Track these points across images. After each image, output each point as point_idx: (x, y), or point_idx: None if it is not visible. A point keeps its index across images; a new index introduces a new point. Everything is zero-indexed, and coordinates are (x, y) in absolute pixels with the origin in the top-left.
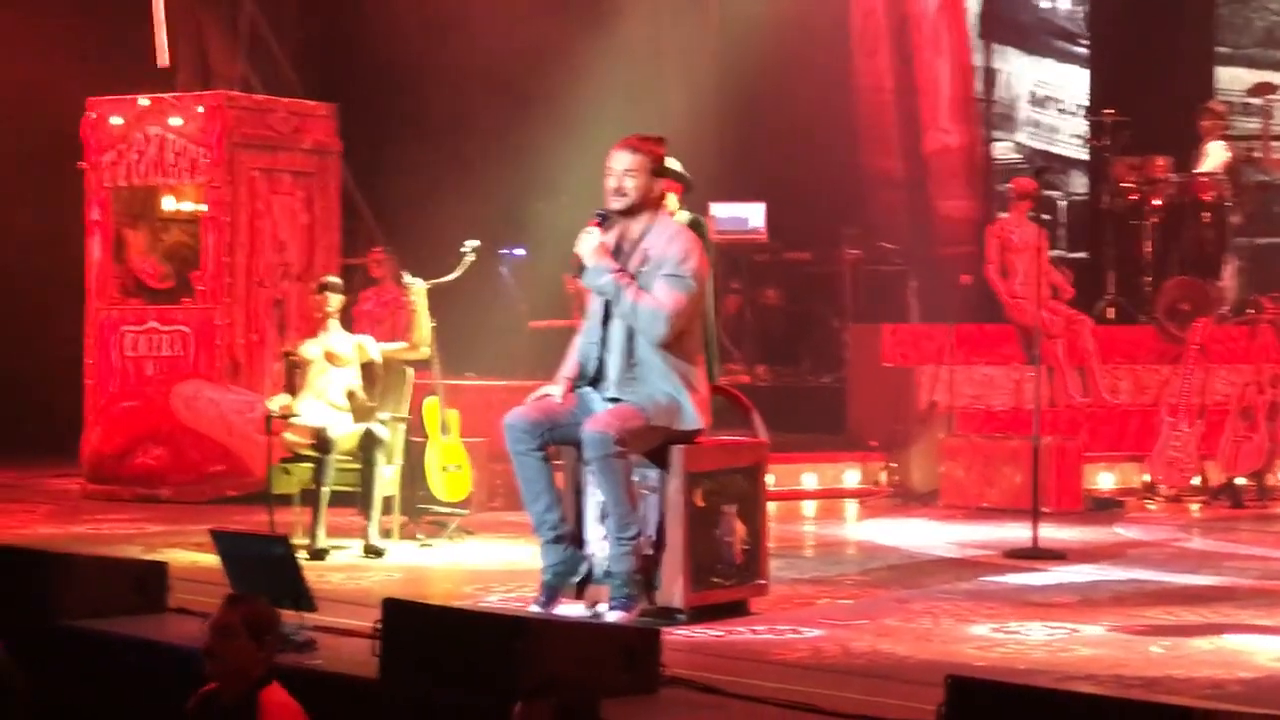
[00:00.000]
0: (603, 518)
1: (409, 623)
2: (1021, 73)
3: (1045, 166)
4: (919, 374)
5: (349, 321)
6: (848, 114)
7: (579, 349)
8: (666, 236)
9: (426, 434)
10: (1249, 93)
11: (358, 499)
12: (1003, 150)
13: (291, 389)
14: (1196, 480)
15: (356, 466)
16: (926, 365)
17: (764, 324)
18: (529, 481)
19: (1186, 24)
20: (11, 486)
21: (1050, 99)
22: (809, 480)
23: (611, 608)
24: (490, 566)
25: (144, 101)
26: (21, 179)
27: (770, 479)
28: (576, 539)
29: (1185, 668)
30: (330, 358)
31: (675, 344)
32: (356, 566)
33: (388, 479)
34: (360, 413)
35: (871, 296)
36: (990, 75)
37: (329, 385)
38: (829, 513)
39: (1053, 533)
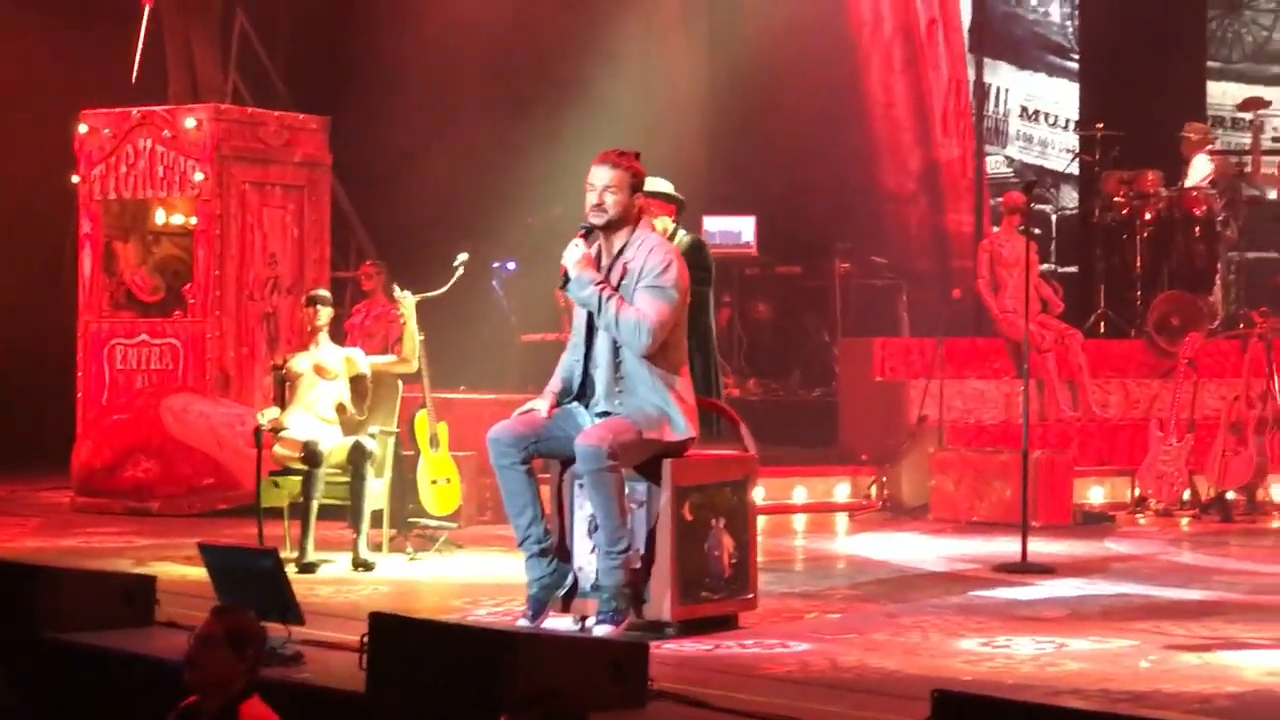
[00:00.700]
0: (591, 531)
1: (396, 636)
2: (1012, 87)
3: (1036, 181)
4: (909, 388)
5: (339, 335)
6: (839, 128)
7: (565, 364)
8: (646, 249)
9: (416, 447)
10: (1239, 107)
11: (347, 512)
12: (994, 164)
13: (281, 402)
14: (1186, 494)
15: (346, 480)
16: (917, 379)
17: (754, 337)
18: (513, 496)
19: (1177, 39)
20: (1, 499)
21: (1041, 113)
22: (799, 494)
23: (599, 621)
24: (479, 580)
25: (135, 114)
26: (12, 191)
27: (760, 493)
28: (562, 553)
29: (1174, 682)
30: (320, 371)
31: (660, 355)
32: (345, 580)
33: (377, 492)
34: (349, 426)
35: (862, 310)
36: (981, 89)
37: (319, 399)
38: (819, 527)
39: (1042, 547)
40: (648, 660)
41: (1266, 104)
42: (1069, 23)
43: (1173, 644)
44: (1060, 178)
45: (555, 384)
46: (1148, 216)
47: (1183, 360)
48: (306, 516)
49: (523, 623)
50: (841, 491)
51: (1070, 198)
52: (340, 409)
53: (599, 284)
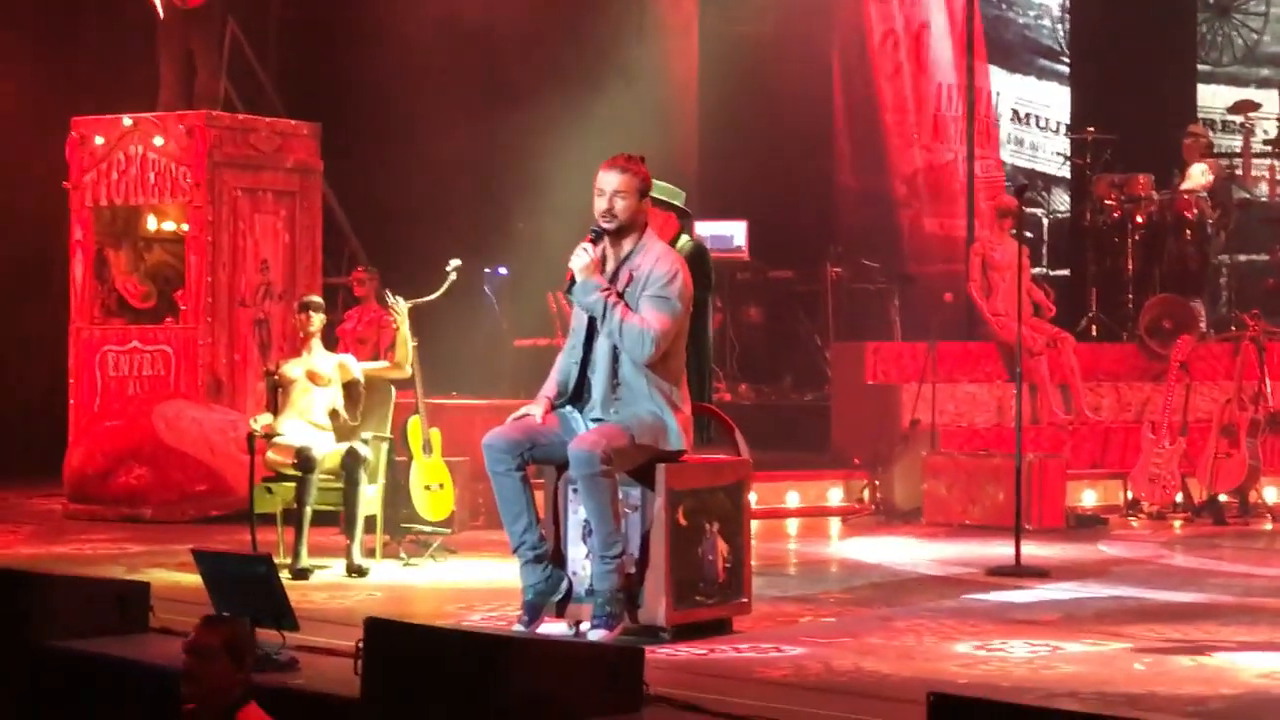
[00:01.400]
0: (585, 536)
1: (391, 642)
2: (1003, 90)
3: (1027, 184)
4: (902, 392)
5: (332, 341)
6: (830, 132)
7: (560, 368)
8: (653, 257)
9: (409, 453)
10: (1230, 110)
11: (340, 518)
12: (985, 168)
13: (274, 408)
14: (1179, 497)
15: (339, 486)
16: (909, 383)
17: (747, 342)
18: (508, 501)
19: (1168, 42)
20: None
21: (1032, 116)
22: (792, 498)
23: (594, 626)
24: (473, 585)
25: (127, 121)
26: (2, 198)
27: (753, 497)
28: (556, 558)
29: (1168, 685)
30: (313, 377)
31: (660, 364)
32: (339, 585)
33: (370, 498)
34: (343, 432)
35: (854, 314)
36: (972, 93)
37: (311, 405)
38: (812, 530)
39: (1035, 550)
40: (643, 665)
41: (1257, 107)
42: (1059, 26)
43: (1167, 647)
44: (1052, 181)
45: (550, 388)
46: (1139, 220)
47: (1175, 363)
48: (300, 522)
49: (518, 628)
50: (834, 495)
51: (1062, 201)
52: (333, 415)
53: (605, 290)
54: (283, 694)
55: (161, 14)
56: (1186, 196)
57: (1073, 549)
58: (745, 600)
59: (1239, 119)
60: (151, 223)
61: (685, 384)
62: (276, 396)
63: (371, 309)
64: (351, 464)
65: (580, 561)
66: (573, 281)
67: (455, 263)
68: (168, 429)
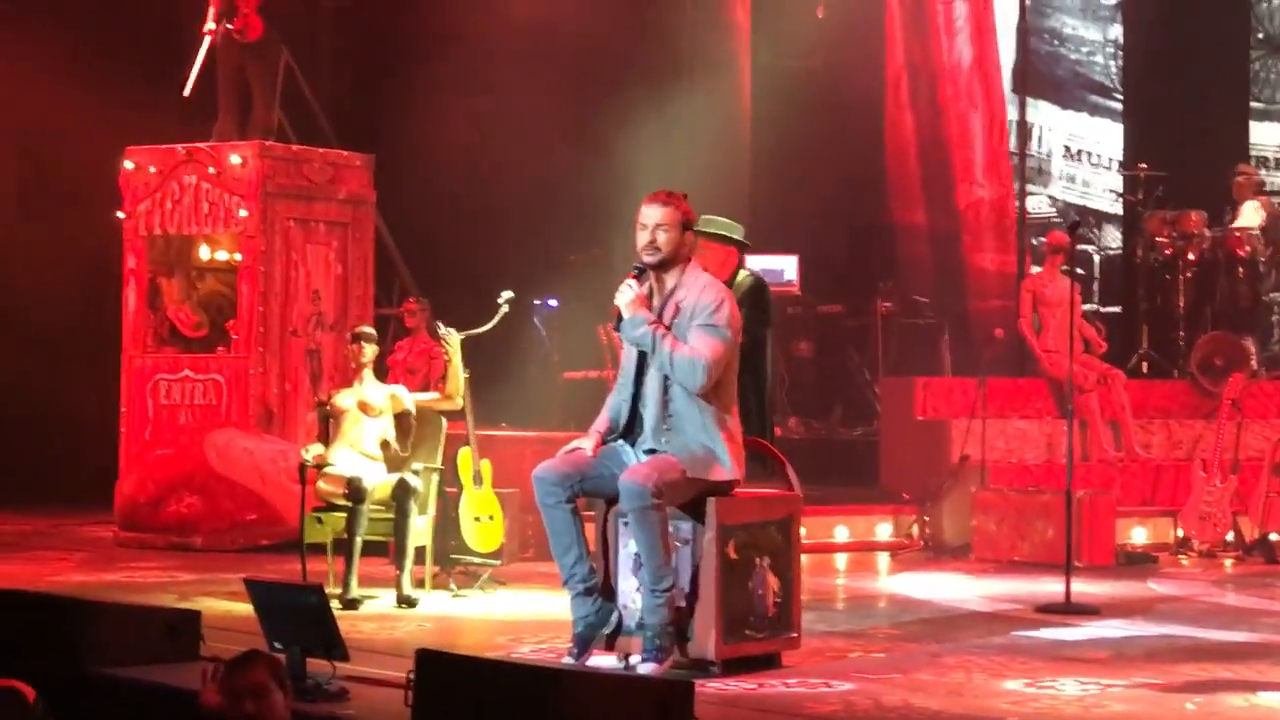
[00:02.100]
0: (636, 569)
1: (442, 673)
2: (1055, 126)
3: (1079, 221)
4: (951, 427)
5: (383, 371)
6: (881, 167)
7: (611, 405)
8: (698, 288)
9: (459, 484)
10: None
11: (390, 549)
12: (1036, 204)
13: (325, 438)
14: (1229, 536)
15: (389, 516)
16: (959, 418)
17: (796, 376)
18: (558, 534)
19: (1220, 79)
20: (45, 534)
21: (1084, 153)
22: (841, 533)
23: (644, 659)
24: (522, 617)
25: (181, 151)
26: (58, 227)
27: (802, 531)
28: (606, 591)
29: None
30: (364, 408)
31: (712, 394)
32: (389, 616)
33: (420, 529)
34: (393, 463)
35: (904, 349)
36: (1024, 129)
37: (363, 435)
38: (861, 566)
39: (1085, 587)
40: (693, 699)
41: None
42: (1112, 62)
43: (1218, 686)
44: (1103, 218)
45: (601, 423)
46: (1191, 257)
47: (1226, 401)
48: (350, 553)
49: (567, 660)
50: (883, 530)
51: (1113, 238)
52: (384, 445)
53: (652, 324)
54: None
55: (215, 46)
56: (1239, 234)
57: (1122, 587)
58: (795, 635)
59: None
60: (204, 252)
61: (737, 413)
62: (328, 427)
63: (422, 340)
64: (402, 495)
65: (630, 595)
66: (620, 318)
67: (507, 294)
68: (219, 458)
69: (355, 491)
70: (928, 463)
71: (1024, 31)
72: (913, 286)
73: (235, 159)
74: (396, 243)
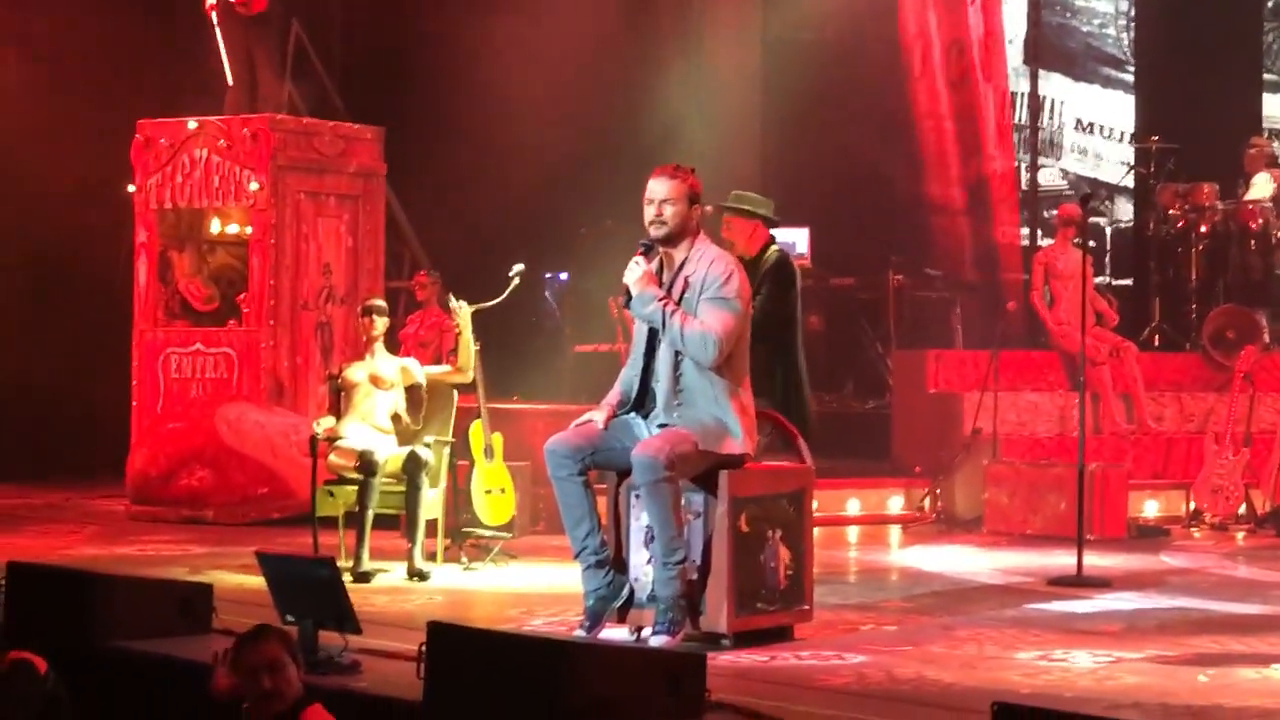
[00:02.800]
0: (648, 542)
1: (454, 646)
2: (1067, 99)
3: (1091, 193)
4: (963, 400)
5: (394, 345)
6: (893, 139)
7: (624, 379)
8: (707, 261)
9: (471, 457)
10: None
11: (402, 522)
12: (1048, 176)
13: (336, 412)
14: (1242, 508)
15: (401, 489)
16: (971, 391)
17: (808, 350)
18: (570, 507)
19: (1233, 51)
20: (57, 507)
21: (1096, 125)
22: (853, 506)
23: (655, 632)
24: (534, 590)
25: (192, 124)
26: (68, 201)
27: (814, 504)
28: (618, 564)
29: (1232, 697)
30: (375, 381)
31: (723, 367)
32: (400, 589)
33: (431, 502)
34: (405, 436)
35: (916, 322)
36: (1036, 101)
37: (374, 408)
38: (872, 539)
39: (1097, 560)
40: (704, 671)
41: None
42: (1124, 35)
43: (1230, 658)
44: (1115, 190)
45: (613, 395)
46: (1203, 229)
47: (1239, 374)
48: (362, 526)
49: (579, 633)
50: (895, 503)
51: (1125, 210)
52: (395, 419)
53: (662, 300)
54: (345, 697)
55: (218, 19)
56: (1251, 207)
57: (1134, 559)
58: (807, 608)
59: None
60: (215, 226)
61: (749, 386)
62: (339, 400)
63: (433, 313)
64: (413, 468)
65: (642, 568)
66: (629, 295)
67: (518, 267)
68: (230, 431)
69: (366, 465)
70: (940, 436)
71: (1036, 4)
72: (924, 260)
73: (246, 132)
74: (407, 216)
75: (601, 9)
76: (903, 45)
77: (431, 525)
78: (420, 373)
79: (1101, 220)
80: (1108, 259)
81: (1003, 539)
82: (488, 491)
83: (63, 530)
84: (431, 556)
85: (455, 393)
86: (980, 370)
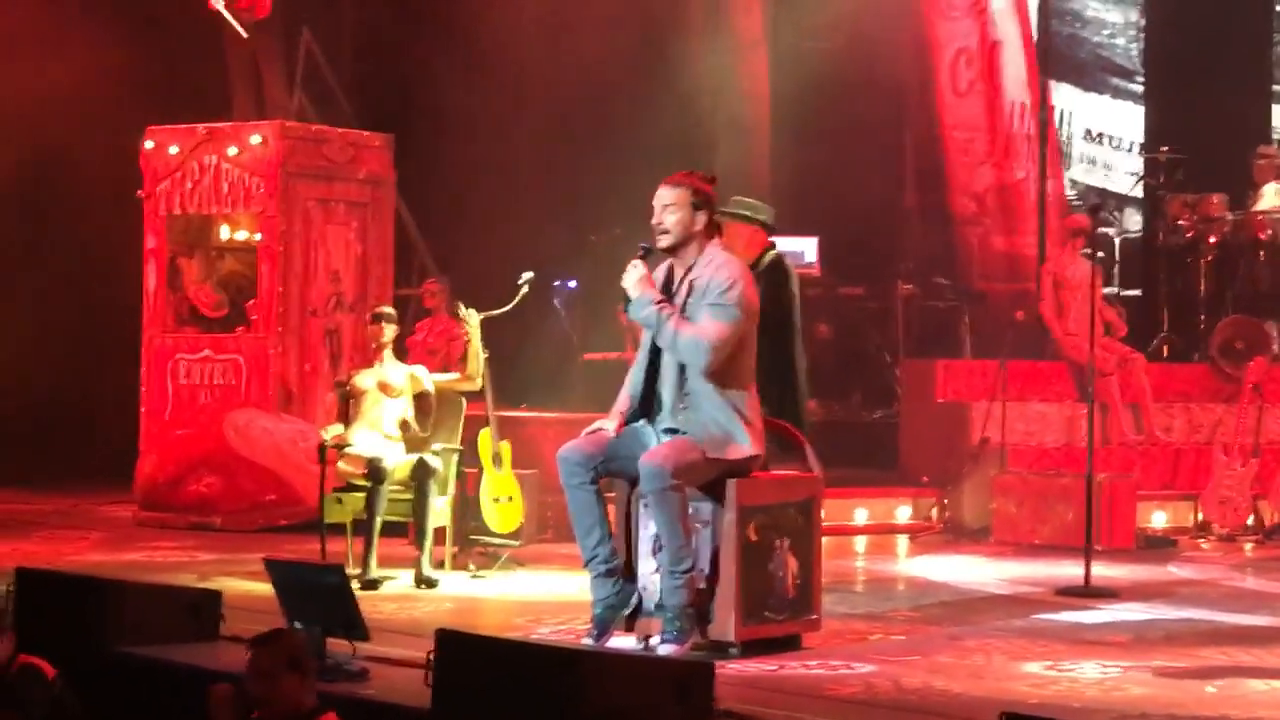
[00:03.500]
0: (655, 551)
1: (462, 654)
2: (1077, 109)
3: (1099, 203)
4: (971, 410)
5: (403, 352)
6: (901, 148)
7: (631, 383)
8: (714, 268)
9: (479, 465)
10: None
11: (410, 529)
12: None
13: (345, 419)
14: (1250, 520)
15: (409, 497)
16: (979, 401)
17: (816, 358)
18: (581, 515)
19: (1242, 61)
20: (65, 513)
21: (1105, 135)
22: (860, 515)
23: (663, 641)
24: (541, 598)
25: (201, 131)
26: (78, 207)
27: (821, 513)
28: (627, 572)
29: (1240, 709)
30: (384, 388)
31: (727, 373)
32: (408, 596)
33: (440, 509)
34: (413, 443)
35: (924, 332)
36: (1045, 111)
37: (382, 415)
38: (880, 548)
39: (1105, 571)
40: (712, 680)
41: None
42: (1133, 45)
43: (1239, 670)
44: (1124, 200)
45: (622, 403)
46: (1212, 240)
47: (1247, 385)
48: (370, 533)
49: (587, 641)
50: (903, 513)
51: (1134, 221)
52: (404, 426)
53: (658, 303)
54: (353, 704)
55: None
56: (1260, 217)
57: (1142, 570)
58: (815, 617)
59: None
60: (224, 232)
61: (755, 392)
62: (348, 407)
63: (442, 320)
64: (421, 475)
65: (650, 576)
66: (628, 299)
67: (527, 275)
68: (238, 438)
69: (375, 472)
70: (948, 445)
71: (1045, 14)
72: (933, 269)
73: (255, 139)
74: (416, 223)
75: (611, 20)
76: (914, 53)
77: (439, 533)
78: (429, 380)
79: (1110, 230)
80: (1116, 269)
81: (1010, 549)
82: (496, 499)
83: (71, 536)
84: (439, 564)
85: (464, 400)
86: (988, 380)
